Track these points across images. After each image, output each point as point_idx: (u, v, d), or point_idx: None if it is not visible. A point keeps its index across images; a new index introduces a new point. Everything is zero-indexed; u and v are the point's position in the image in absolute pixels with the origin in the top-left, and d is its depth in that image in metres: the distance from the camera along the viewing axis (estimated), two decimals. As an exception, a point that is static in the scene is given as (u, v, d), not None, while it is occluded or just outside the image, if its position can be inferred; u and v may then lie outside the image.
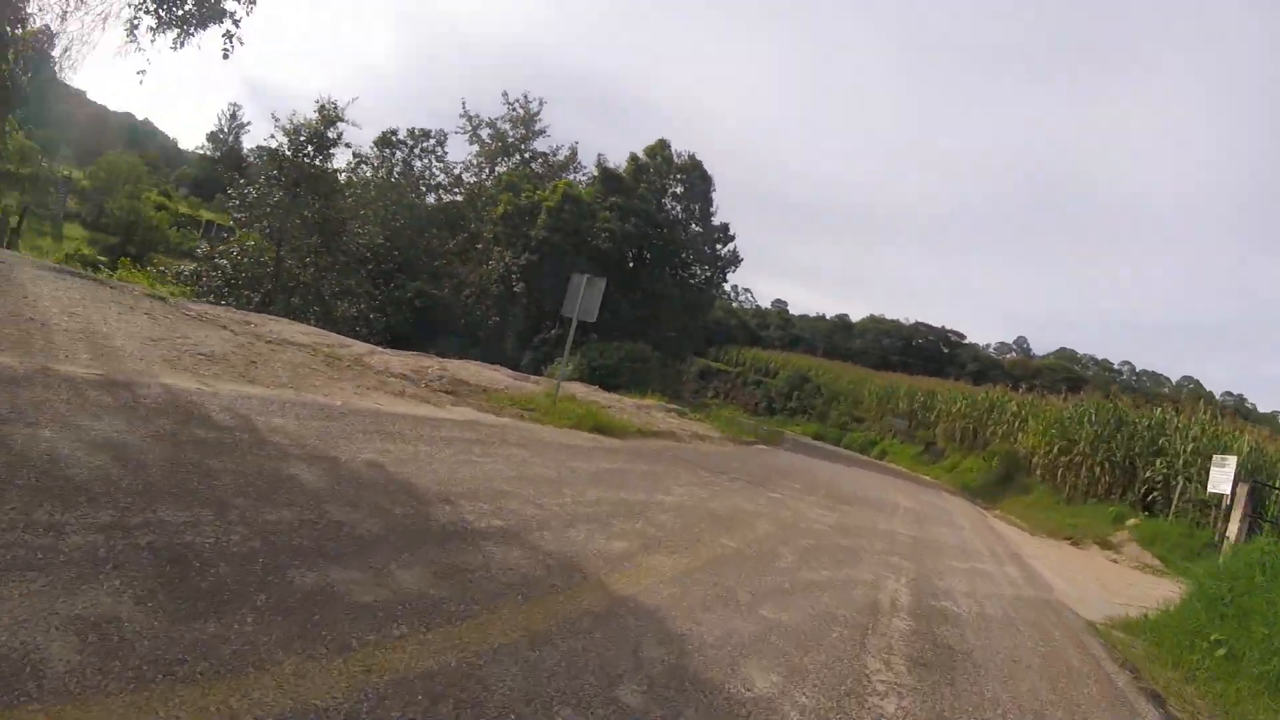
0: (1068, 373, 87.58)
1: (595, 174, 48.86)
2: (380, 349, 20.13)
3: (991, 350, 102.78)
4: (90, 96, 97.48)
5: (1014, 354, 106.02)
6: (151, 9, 20.76)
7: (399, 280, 45.34)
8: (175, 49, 21.16)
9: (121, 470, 5.56)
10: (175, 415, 7.60)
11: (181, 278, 38.86)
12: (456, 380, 17.09)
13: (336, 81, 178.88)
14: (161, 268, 42.70)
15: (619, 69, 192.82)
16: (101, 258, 43.22)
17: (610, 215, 43.71)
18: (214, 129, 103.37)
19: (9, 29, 21.25)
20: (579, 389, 24.73)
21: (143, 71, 21.66)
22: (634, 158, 48.24)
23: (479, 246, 48.72)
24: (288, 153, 39.29)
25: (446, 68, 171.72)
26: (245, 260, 38.26)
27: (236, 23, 21.44)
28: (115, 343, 10.35)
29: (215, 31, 21.40)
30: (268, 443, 7.62)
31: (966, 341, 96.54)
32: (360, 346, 19.01)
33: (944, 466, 49.39)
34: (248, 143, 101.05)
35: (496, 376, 20.40)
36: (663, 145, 48.52)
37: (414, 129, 55.00)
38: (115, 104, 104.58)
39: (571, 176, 51.38)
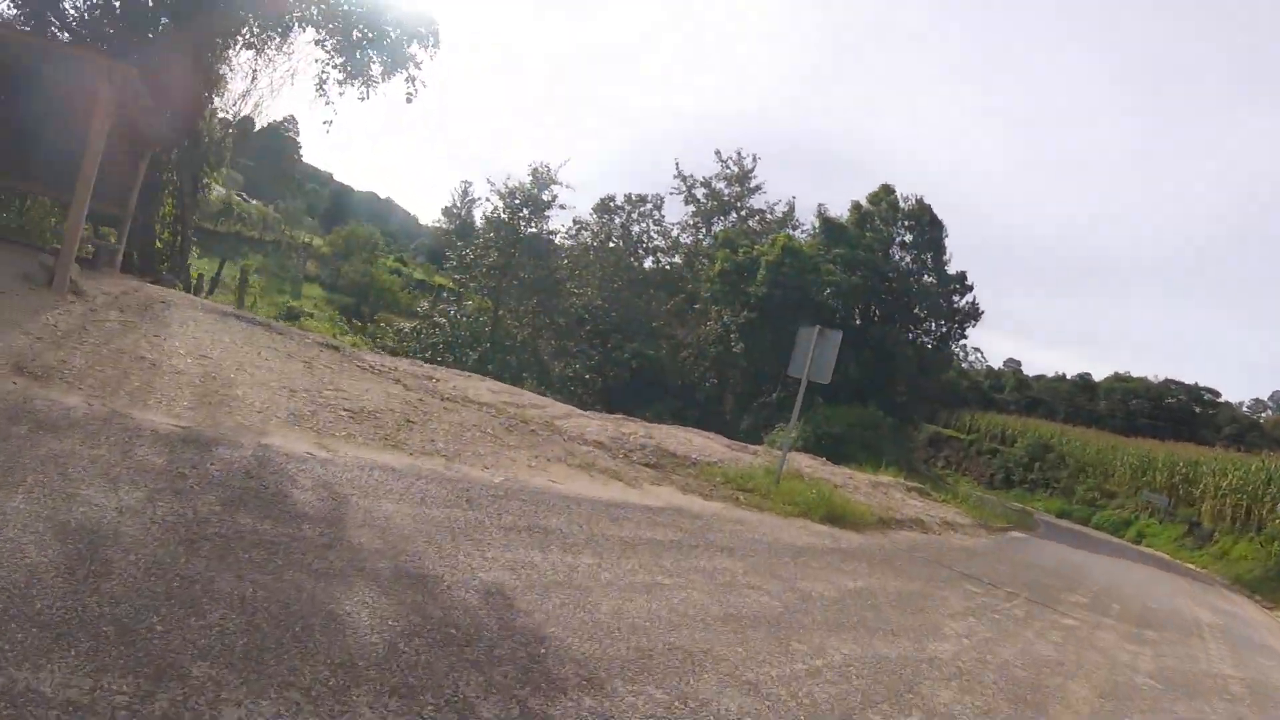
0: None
1: (815, 226, 45.04)
2: (580, 411, 17.57)
3: (1246, 408, 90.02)
4: (337, 177, 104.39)
5: (1271, 411, 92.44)
6: (338, 63, 20.65)
7: (615, 341, 43.43)
8: (362, 99, 21.19)
9: (56, 580, 3.60)
10: (236, 490, 5.76)
11: (401, 335, 38.70)
12: (662, 451, 14.10)
13: (557, 151, 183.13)
14: (383, 324, 43.19)
15: (830, 124, 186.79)
16: (309, 309, 43.99)
17: (834, 268, 39.76)
18: (448, 204, 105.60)
19: (206, 93, 20.63)
20: (803, 461, 21.10)
21: (329, 122, 22.15)
22: (856, 206, 44.12)
23: (696, 307, 46.08)
24: (503, 215, 38.64)
25: (659, 132, 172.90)
26: (463, 319, 37.55)
27: (419, 66, 21.09)
28: (235, 391, 8.80)
29: (400, 79, 21.29)
30: (344, 544, 5.23)
31: (1222, 400, 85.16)
32: (558, 408, 16.57)
33: (1211, 553, 41.56)
34: (478, 216, 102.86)
35: (710, 446, 17.17)
36: (887, 190, 43.97)
37: (630, 194, 53.69)
38: (360, 184, 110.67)
39: (790, 232, 48.07)
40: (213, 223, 64.28)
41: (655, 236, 53.05)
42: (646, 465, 12.76)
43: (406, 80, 21.09)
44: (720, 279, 42.43)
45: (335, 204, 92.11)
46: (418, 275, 75.05)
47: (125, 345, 9.25)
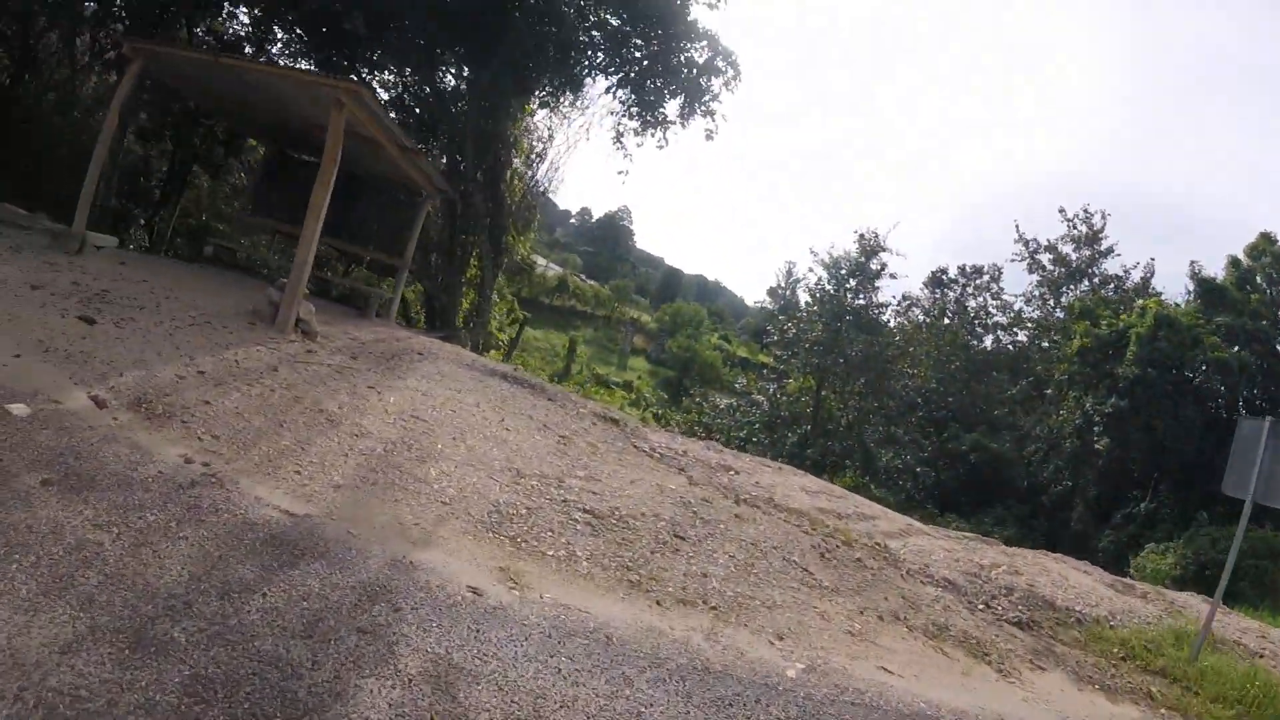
0: None
1: (1190, 292, 36.17)
2: (920, 526, 13.18)
3: None
4: (668, 261, 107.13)
5: None
6: (634, 111, 19.17)
7: (951, 430, 37.91)
8: (661, 148, 19.54)
9: None
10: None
11: (717, 412, 36.03)
12: (1034, 597, 9.59)
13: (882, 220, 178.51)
14: (698, 399, 40.71)
15: (1174, 181, 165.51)
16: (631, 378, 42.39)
17: (1217, 340, 31.98)
18: (773, 284, 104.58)
19: (503, 154, 19.08)
20: (1192, 602, 14.80)
21: (624, 172, 20.02)
22: (1235, 262, 35.29)
23: (1047, 392, 39.36)
24: (828, 287, 35.16)
25: (990, 198, 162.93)
26: (783, 399, 34.17)
27: (718, 100, 18.94)
28: (426, 469, 6.57)
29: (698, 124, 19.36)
30: None
31: None
32: (890, 519, 12.11)
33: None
34: (802, 295, 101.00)
35: (1091, 587, 11.86)
36: (1269, 240, 34.61)
37: (964, 265, 48.70)
38: (689, 267, 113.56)
39: (1161, 298, 40.26)
40: (549, 297, 66.89)
41: (994, 311, 47.36)
42: (1018, 625, 8.50)
43: (704, 115, 18.99)
44: (1079, 358, 35.77)
45: (665, 285, 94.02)
46: (740, 352, 73.07)
47: (313, 394, 7.57)
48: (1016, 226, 45.35)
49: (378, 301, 14.51)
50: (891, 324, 36.82)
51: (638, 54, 18.03)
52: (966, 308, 46.89)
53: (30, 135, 16.59)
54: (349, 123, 10.53)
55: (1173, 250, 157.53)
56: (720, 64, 18.29)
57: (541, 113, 20.00)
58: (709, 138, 19.02)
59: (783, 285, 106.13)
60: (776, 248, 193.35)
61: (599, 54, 18.25)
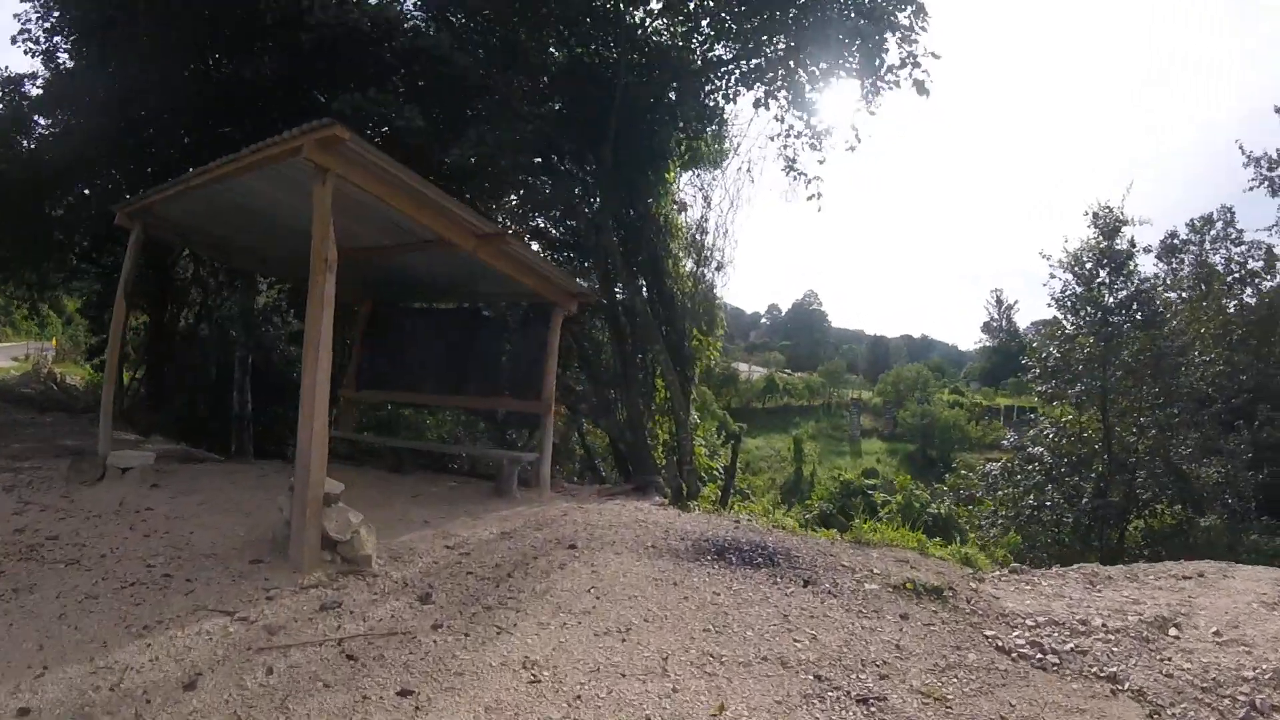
0: None
1: None
2: None
3: None
4: (868, 331, 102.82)
5: None
6: (799, 116, 14.32)
7: (1262, 414, 30.25)
8: (852, 149, 14.25)
9: None
10: None
11: (990, 480, 30.35)
12: None
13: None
14: (963, 470, 35.10)
15: None
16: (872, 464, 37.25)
17: None
18: (986, 319, 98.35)
19: (654, 237, 15.63)
20: None
21: (816, 195, 14.45)
22: None
23: None
24: (1077, 289, 29.05)
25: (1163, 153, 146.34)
26: (1063, 441, 28.00)
27: (908, 35, 13.21)
28: None
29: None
30: None
31: None
32: None
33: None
34: (1021, 320, 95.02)
35: None
36: None
37: (1193, 220, 41.27)
38: (891, 330, 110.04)
39: None
40: (760, 401, 63.71)
41: (1244, 259, 39.46)
42: None
43: (904, 68, 13.32)
44: None
45: (873, 355, 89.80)
46: (978, 400, 66.49)
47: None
48: (1241, 148, 37.20)
49: (518, 466, 10.71)
50: (1162, 306, 29.61)
51: (774, 36, 14.11)
52: (1214, 267, 39.45)
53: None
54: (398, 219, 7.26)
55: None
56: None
57: (686, 176, 16.22)
58: (921, 91, 13.23)
59: (996, 317, 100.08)
60: (974, 278, 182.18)
61: (726, 65, 14.49)
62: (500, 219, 16.01)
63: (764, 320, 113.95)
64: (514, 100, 13.79)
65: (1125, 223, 28.47)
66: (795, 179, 14.46)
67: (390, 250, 10.10)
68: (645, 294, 15.16)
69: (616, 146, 14.05)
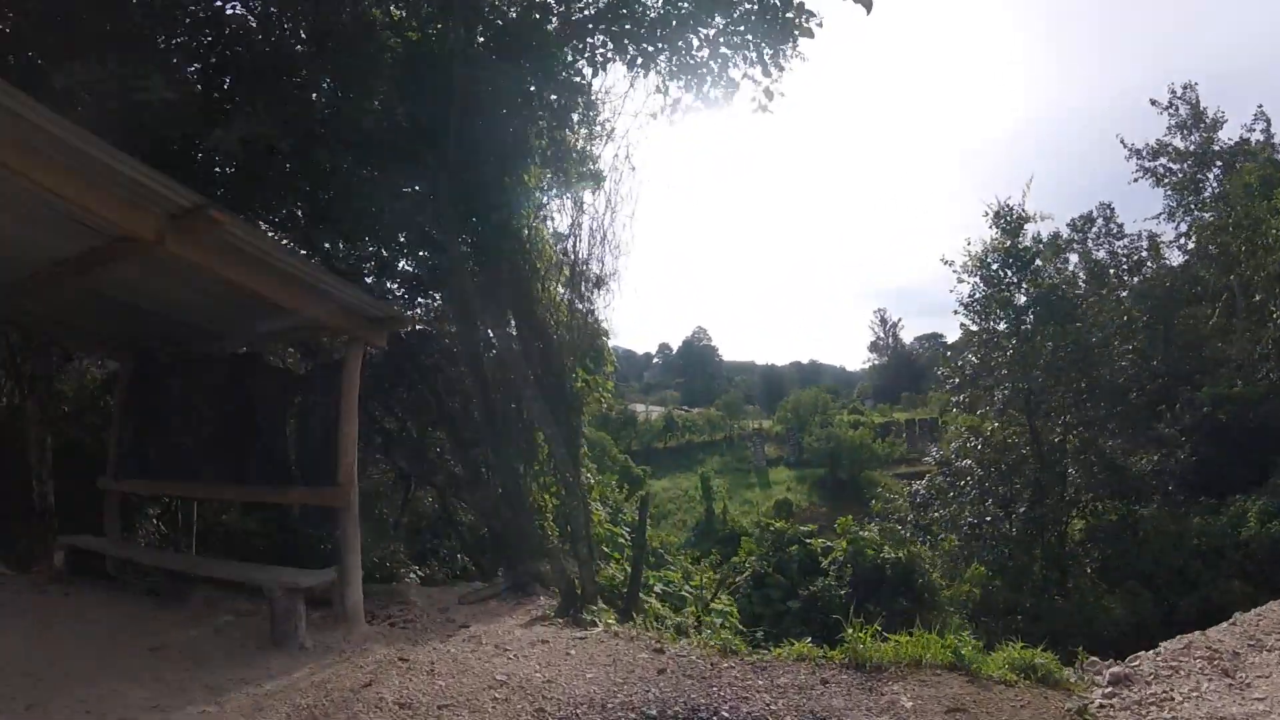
0: None
1: None
2: None
3: None
4: (756, 362, 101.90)
5: None
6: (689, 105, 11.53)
7: (1181, 395, 29.08)
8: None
9: None
10: None
11: (914, 499, 27.97)
12: None
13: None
14: (884, 489, 33.06)
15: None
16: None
17: None
18: (872, 339, 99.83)
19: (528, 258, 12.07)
20: None
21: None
22: None
23: (1256, 299, 30.25)
24: (981, 292, 27.23)
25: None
26: (988, 450, 25.87)
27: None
28: None
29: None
30: None
31: None
32: None
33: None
34: (906, 336, 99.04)
35: None
36: None
37: (1073, 219, 41.19)
38: (780, 359, 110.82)
39: None
40: (661, 440, 60.81)
41: (1131, 251, 38.90)
42: None
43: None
44: None
45: (768, 385, 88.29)
46: (877, 419, 64.96)
47: None
48: (1122, 142, 37.01)
49: (299, 598, 6.64)
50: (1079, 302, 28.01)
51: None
52: (1099, 264, 38.68)
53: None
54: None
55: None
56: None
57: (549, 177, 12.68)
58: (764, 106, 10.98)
59: (883, 336, 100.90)
60: (851, 300, 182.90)
61: (591, 24, 11.15)
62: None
63: (656, 360, 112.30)
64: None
65: (1028, 220, 27.06)
66: (669, 117, 11.41)
67: (87, 265, 6.42)
68: (513, 327, 11.66)
69: (460, 144, 10.64)
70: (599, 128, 12.33)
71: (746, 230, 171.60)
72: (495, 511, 11.18)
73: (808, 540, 17.06)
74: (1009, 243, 26.44)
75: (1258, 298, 29.80)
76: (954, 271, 27.65)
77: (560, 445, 10.46)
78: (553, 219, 12.65)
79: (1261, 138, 34.31)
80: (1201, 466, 26.47)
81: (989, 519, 24.62)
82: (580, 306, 12.41)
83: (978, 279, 27.20)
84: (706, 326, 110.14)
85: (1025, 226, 26.67)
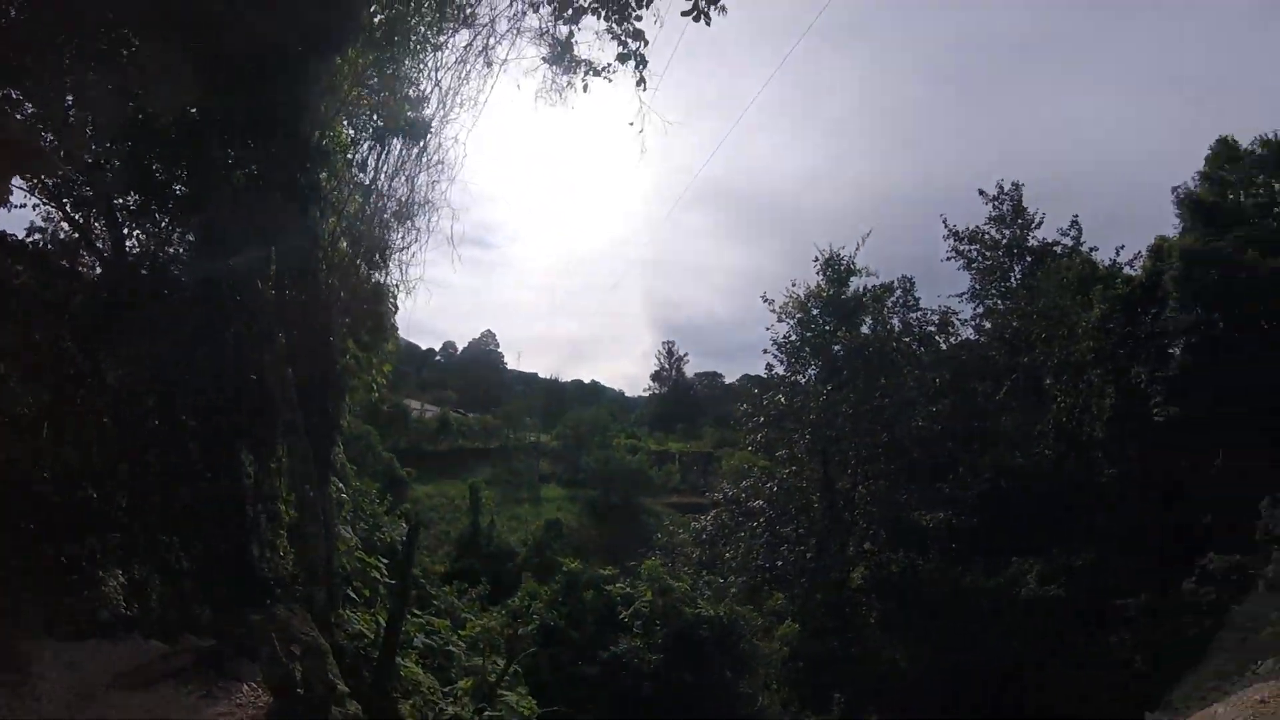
0: None
1: (1182, 217, 29.83)
2: None
3: None
4: (541, 376, 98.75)
5: None
6: None
7: (966, 461, 29.29)
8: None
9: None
10: None
11: (700, 537, 26.16)
12: None
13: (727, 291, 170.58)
14: (671, 525, 31.04)
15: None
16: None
17: (1256, 254, 25.00)
18: (655, 369, 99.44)
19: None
20: None
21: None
22: (1205, 175, 29.81)
23: (1047, 383, 31.59)
24: (797, 336, 26.26)
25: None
26: (778, 492, 24.73)
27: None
28: None
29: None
30: None
31: None
32: None
33: None
34: (689, 370, 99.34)
35: None
36: (1228, 145, 30.03)
37: (873, 288, 41.10)
38: (565, 375, 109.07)
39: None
40: (433, 443, 56.52)
41: (922, 324, 39.79)
42: None
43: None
44: (1100, 328, 28.19)
45: (550, 399, 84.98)
46: (652, 446, 63.53)
47: None
48: (945, 222, 37.75)
49: None
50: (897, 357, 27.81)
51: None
52: (891, 330, 39.20)
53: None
54: None
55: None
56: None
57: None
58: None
59: (667, 367, 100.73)
60: (637, 327, 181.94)
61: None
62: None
63: (439, 358, 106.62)
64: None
65: (855, 272, 26.34)
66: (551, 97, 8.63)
67: None
68: (272, 265, 8.17)
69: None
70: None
71: (550, 243, 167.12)
72: (196, 536, 7.55)
73: (606, 587, 14.07)
74: (833, 291, 25.65)
75: (1048, 381, 30.92)
76: (773, 310, 26.72)
77: (303, 439, 7.06)
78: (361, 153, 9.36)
79: (1070, 242, 35.85)
80: (981, 528, 26.52)
81: (780, 562, 23.86)
82: (364, 268, 9.13)
83: (795, 322, 26.32)
84: (496, 332, 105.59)
85: (851, 279, 26.17)
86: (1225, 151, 30.00)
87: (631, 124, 9.55)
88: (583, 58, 9.27)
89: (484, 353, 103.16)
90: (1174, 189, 30.60)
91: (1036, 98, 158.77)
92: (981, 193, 37.06)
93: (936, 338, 36.54)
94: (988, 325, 36.57)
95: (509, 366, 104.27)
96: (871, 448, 25.30)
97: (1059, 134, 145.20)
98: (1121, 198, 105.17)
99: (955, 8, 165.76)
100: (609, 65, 9.39)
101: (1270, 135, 28.96)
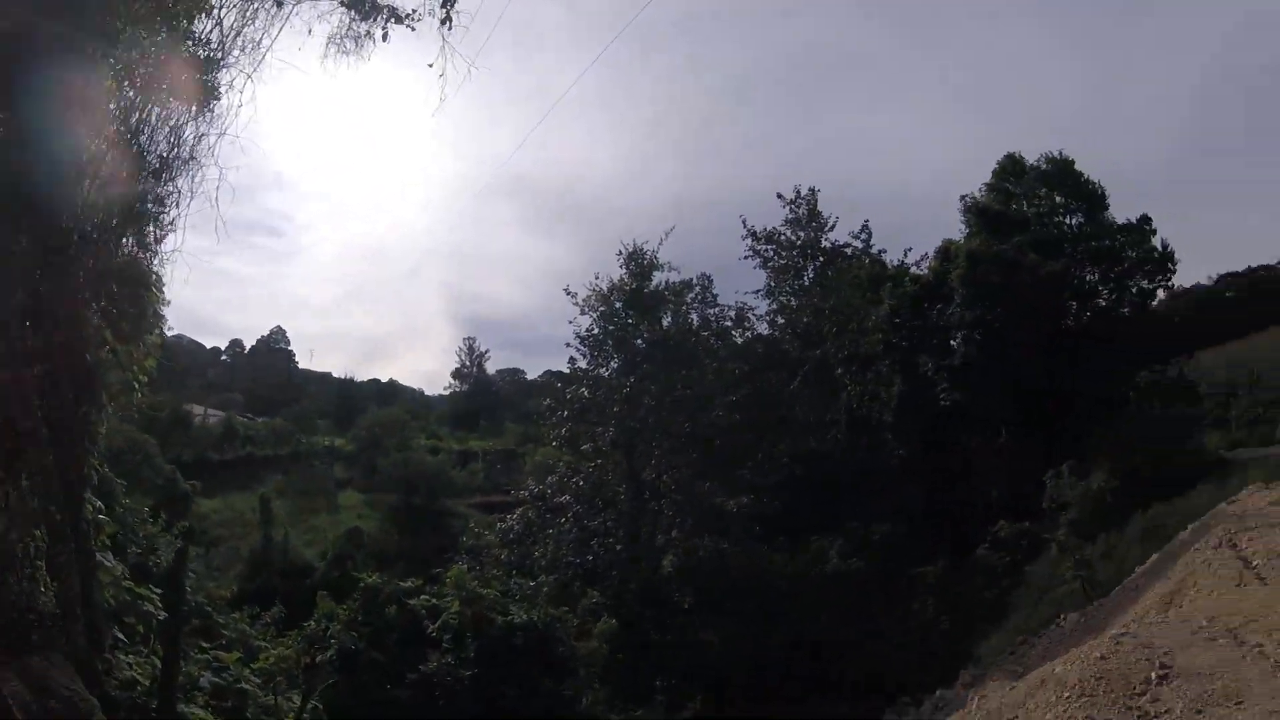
0: None
1: (968, 222, 32.44)
2: None
3: None
4: (334, 375, 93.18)
5: None
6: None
7: (765, 447, 30.74)
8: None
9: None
10: None
11: (507, 535, 25.29)
12: None
13: (533, 291, 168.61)
14: (477, 526, 29.74)
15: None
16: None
17: (1036, 258, 28.07)
18: (456, 366, 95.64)
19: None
20: None
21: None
22: (993, 186, 32.86)
23: (838, 373, 33.94)
24: (599, 330, 25.90)
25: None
26: (586, 487, 24.32)
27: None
28: None
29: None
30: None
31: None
32: None
33: None
34: (491, 367, 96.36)
35: None
36: (1015, 160, 33.13)
37: (673, 284, 41.45)
38: (360, 375, 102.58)
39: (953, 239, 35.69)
40: (218, 451, 51.99)
41: (716, 318, 40.62)
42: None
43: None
44: (889, 323, 30.98)
45: (343, 400, 79.77)
46: (454, 445, 61.41)
47: None
48: (744, 222, 39.16)
49: None
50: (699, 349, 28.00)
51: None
52: (690, 325, 39.84)
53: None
54: None
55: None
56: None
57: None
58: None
59: (468, 364, 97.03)
60: (445, 323, 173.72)
61: None
62: None
63: (225, 358, 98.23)
64: None
65: (658, 267, 26.24)
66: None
67: None
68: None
69: None
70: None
71: (346, 232, 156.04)
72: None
73: (409, 600, 12.77)
74: (636, 285, 25.44)
75: (839, 372, 33.45)
76: (576, 304, 26.36)
77: (45, 451, 5.66)
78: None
79: (861, 245, 38.21)
80: (783, 511, 27.80)
81: (590, 557, 23.81)
82: (128, 243, 7.67)
83: (597, 315, 25.95)
84: (287, 328, 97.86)
85: (654, 273, 26.07)
86: (1011, 166, 32.92)
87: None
88: (384, 2, 8.27)
89: (273, 351, 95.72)
90: (962, 197, 33.21)
91: (839, 111, 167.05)
92: (779, 196, 39.02)
93: (733, 332, 37.52)
94: (782, 320, 38.85)
95: (300, 366, 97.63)
96: (674, 438, 25.61)
97: (858, 146, 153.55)
98: (913, 207, 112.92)
99: (767, 23, 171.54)
100: (413, 12, 8.55)
101: (1055, 153, 31.99)
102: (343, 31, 8.54)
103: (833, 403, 33.73)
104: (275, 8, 8.09)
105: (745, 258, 38.93)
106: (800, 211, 38.67)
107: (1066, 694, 5.94)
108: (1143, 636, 6.99)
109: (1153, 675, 5.84)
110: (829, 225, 38.62)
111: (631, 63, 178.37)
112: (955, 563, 24.65)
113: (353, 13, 8.31)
